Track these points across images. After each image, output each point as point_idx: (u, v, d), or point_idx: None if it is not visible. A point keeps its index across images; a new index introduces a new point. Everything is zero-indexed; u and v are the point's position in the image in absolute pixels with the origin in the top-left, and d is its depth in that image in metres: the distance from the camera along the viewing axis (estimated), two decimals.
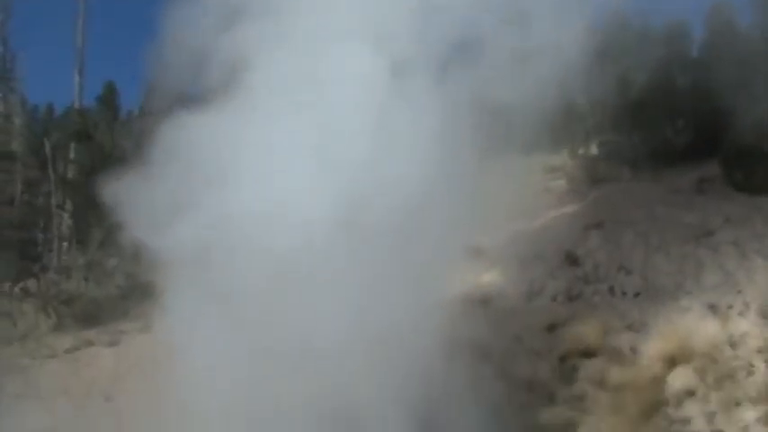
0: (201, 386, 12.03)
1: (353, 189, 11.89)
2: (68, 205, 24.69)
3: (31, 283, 21.94)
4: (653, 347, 14.04)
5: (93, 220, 21.43)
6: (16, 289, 21.61)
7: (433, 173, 12.12)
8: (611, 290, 15.71)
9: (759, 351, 13.35)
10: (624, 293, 15.52)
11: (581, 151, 22.19)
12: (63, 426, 13.76)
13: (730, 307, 14.08)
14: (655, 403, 13.45)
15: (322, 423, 11.84)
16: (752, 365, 13.23)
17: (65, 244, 24.25)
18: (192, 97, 12.96)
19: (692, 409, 13.18)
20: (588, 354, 14.55)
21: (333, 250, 11.78)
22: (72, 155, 25.54)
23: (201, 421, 12.04)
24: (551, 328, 15.21)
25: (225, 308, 11.97)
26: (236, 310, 11.87)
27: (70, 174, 25.32)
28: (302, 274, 11.68)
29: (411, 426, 12.32)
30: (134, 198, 12.23)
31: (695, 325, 14.00)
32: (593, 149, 22.05)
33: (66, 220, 24.34)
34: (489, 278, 16.79)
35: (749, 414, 12.76)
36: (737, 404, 12.93)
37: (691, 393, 13.35)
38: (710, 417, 12.99)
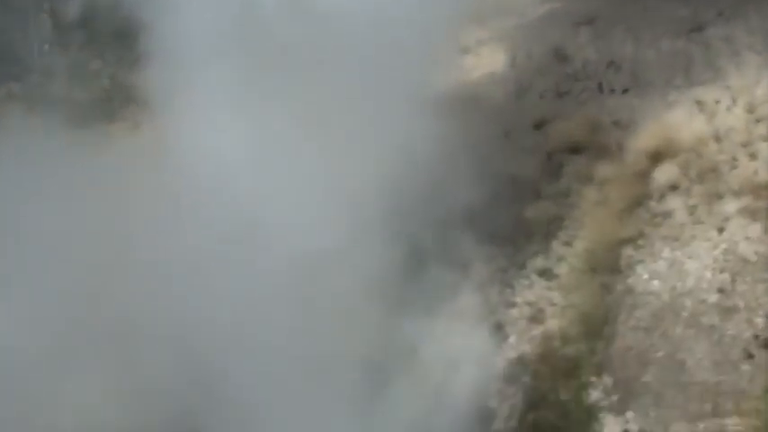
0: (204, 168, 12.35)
1: None
2: (48, 6, 24.00)
3: (15, 86, 21.66)
4: (639, 143, 14.21)
5: (75, 21, 20.93)
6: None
7: None
8: (600, 87, 15.65)
9: (743, 145, 13.52)
10: (613, 90, 15.48)
11: None
12: (61, 222, 13.96)
13: (717, 102, 14.12)
14: (638, 197, 13.75)
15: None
16: (735, 159, 13.42)
17: (46, 46, 23.76)
18: None
19: (674, 202, 13.48)
20: (575, 150, 14.72)
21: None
22: None
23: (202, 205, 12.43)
24: (539, 125, 15.29)
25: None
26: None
27: None
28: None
29: (408, 221, 12.74)
30: None
31: (682, 120, 14.10)
32: None
33: (47, 21, 23.75)
34: (478, 75, 16.67)
35: (730, 206, 13.07)
36: (719, 197, 13.22)
37: (674, 187, 13.62)
38: (692, 209, 13.31)
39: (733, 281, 12.52)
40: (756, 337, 11.99)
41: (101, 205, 13.73)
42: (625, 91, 15.32)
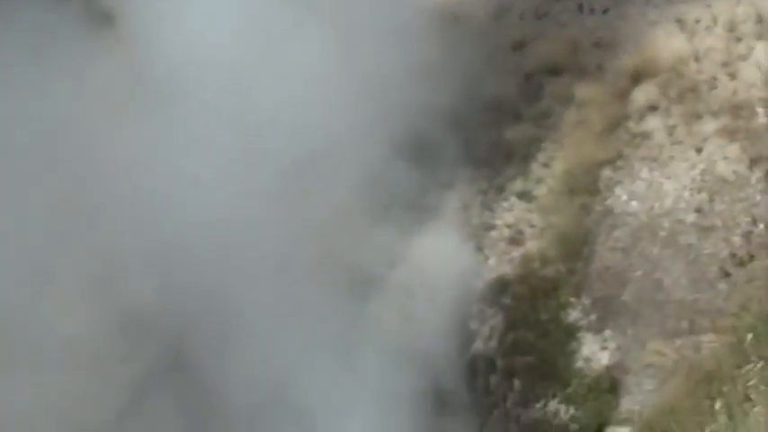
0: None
1: None
2: None
3: None
4: (619, 63, 14.16)
5: None
6: None
7: None
8: (580, 7, 15.52)
9: (723, 65, 13.48)
10: (593, 10, 15.36)
11: None
12: (40, 138, 13.76)
13: (698, 21, 14.03)
14: (618, 118, 13.75)
15: None
16: (715, 79, 13.40)
17: None
18: None
19: (653, 122, 13.48)
20: (555, 71, 14.66)
21: None
22: None
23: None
24: (519, 46, 15.19)
25: None
26: None
27: None
28: None
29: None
30: None
31: (662, 40, 14.03)
32: None
33: None
34: None
35: (709, 126, 13.09)
36: (698, 117, 13.23)
37: (653, 108, 13.61)
38: (671, 130, 13.32)
39: (711, 200, 12.61)
40: (733, 255, 12.13)
41: (82, 120, 13.54)
42: (605, 11, 15.19)
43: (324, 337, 12.70)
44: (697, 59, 13.64)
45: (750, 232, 12.21)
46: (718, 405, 10.16)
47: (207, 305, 12.58)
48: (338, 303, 12.92)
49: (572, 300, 12.77)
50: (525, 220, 13.73)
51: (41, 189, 12.93)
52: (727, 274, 12.03)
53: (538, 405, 12.21)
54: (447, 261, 13.43)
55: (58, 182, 13.03)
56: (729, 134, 12.88)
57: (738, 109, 13.00)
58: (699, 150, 12.99)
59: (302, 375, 12.59)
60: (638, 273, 12.54)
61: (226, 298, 12.49)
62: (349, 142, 12.83)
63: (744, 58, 13.42)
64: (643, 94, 13.69)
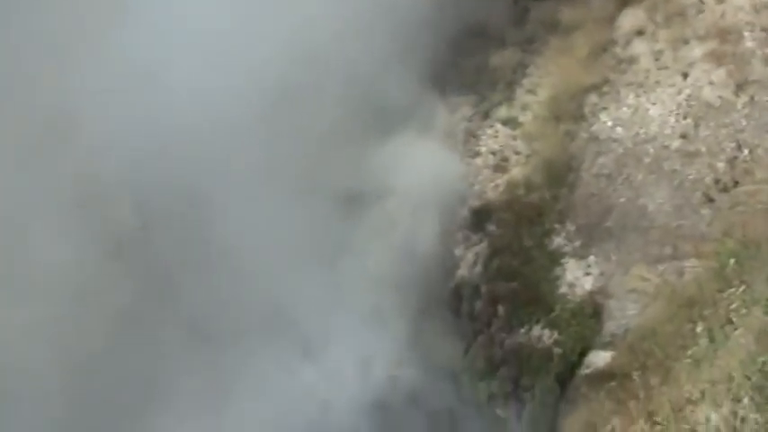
0: None
1: None
2: None
3: None
4: None
5: None
6: None
7: None
8: None
9: None
10: None
11: None
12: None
13: None
14: (604, 43, 13.64)
15: None
16: (702, 3, 13.27)
17: None
18: None
19: (639, 47, 13.37)
20: None
21: None
22: None
23: None
24: None
25: None
26: None
27: None
28: None
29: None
30: None
31: None
32: None
33: None
34: None
35: (695, 51, 13.00)
36: (685, 42, 13.12)
37: (640, 32, 13.50)
38: (658, 55, 13.22)
39: (696, 126, 12.57)
40: (717, 181, 12.15)
41: (59, 30, 13.24)
42: None
43: (311, 261, 12.72)
44: None
45: (735, 158, 12.21)
46: (699, 328, 10.27)
47: (195, 228, 12.54)
48: (325, 227, 12.93)
49: (556, 226, 12.80)
50: (510, 147, 13.69)
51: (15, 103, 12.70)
52: (710, 200, 12.07)
53: (522, 330, 12.32)
54: (431, 187, 13.41)
55: (32, 95, 12.79)
56: (716, 59, 12.79)
57: (725, 33, 12.89)
58: (685, 75, 12.91)
59: (289, 298, 12.65)
60: (623, 199, 12.55)
61: (213, 221, 12.44)
62: (337, 62, 12.67)
63: None
64: (629, 18, 13.56)
